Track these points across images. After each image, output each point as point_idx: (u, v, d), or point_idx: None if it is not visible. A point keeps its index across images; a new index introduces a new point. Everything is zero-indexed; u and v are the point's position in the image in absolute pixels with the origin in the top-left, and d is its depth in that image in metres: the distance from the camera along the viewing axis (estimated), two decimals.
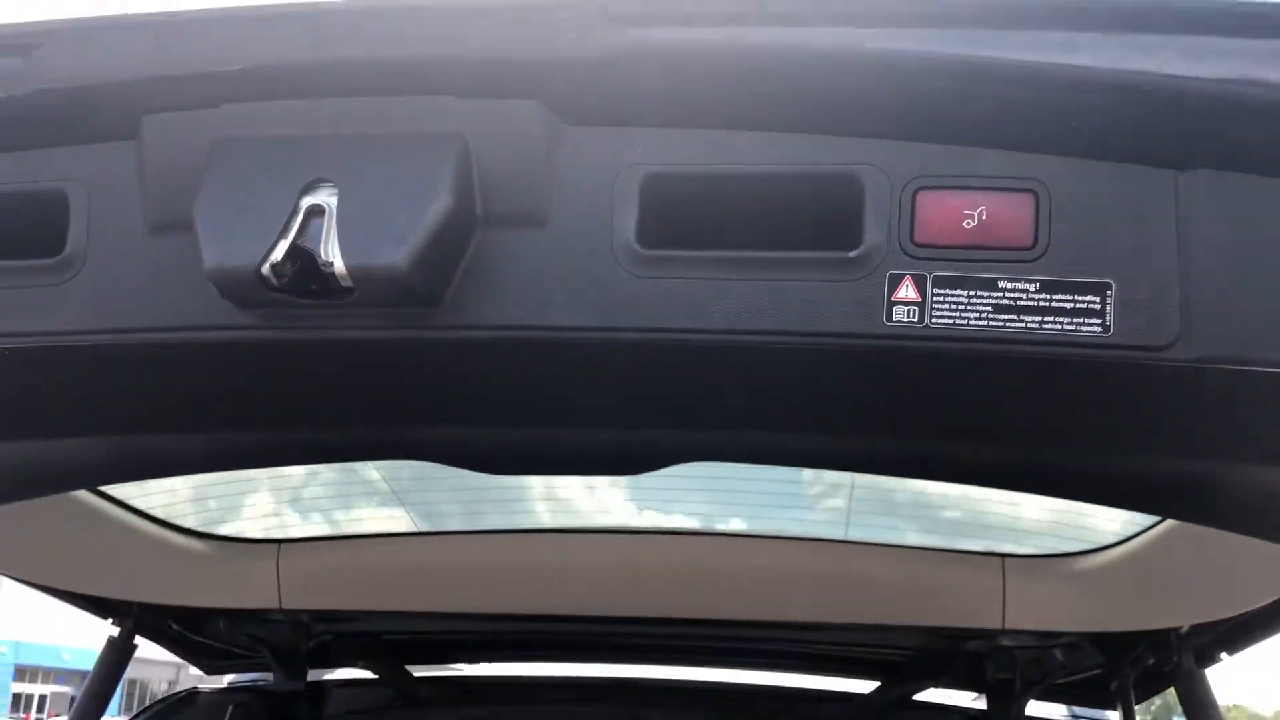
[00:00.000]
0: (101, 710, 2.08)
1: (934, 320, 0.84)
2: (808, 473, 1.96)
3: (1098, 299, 0.84)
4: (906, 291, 0.85)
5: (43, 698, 29.60)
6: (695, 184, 0.87)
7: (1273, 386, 0.85)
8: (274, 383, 0.98)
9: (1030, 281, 0.85)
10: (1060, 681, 2.16)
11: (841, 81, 0.85)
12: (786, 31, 0.85)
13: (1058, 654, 2.12)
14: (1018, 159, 0.85)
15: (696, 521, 2.18)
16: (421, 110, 0.85)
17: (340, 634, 2.19)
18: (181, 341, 0.88)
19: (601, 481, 2.05)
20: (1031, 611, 2.01)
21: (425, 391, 1.00)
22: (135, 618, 2.06)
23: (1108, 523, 1.95)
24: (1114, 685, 2.14)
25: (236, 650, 2.24)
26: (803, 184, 0.87)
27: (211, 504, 2.08)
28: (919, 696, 2.21)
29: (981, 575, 2.02)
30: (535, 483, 2.05)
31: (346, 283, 0.82)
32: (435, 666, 2.37)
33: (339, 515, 2.14)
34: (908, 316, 0.85)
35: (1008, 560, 2.03)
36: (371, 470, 1.97)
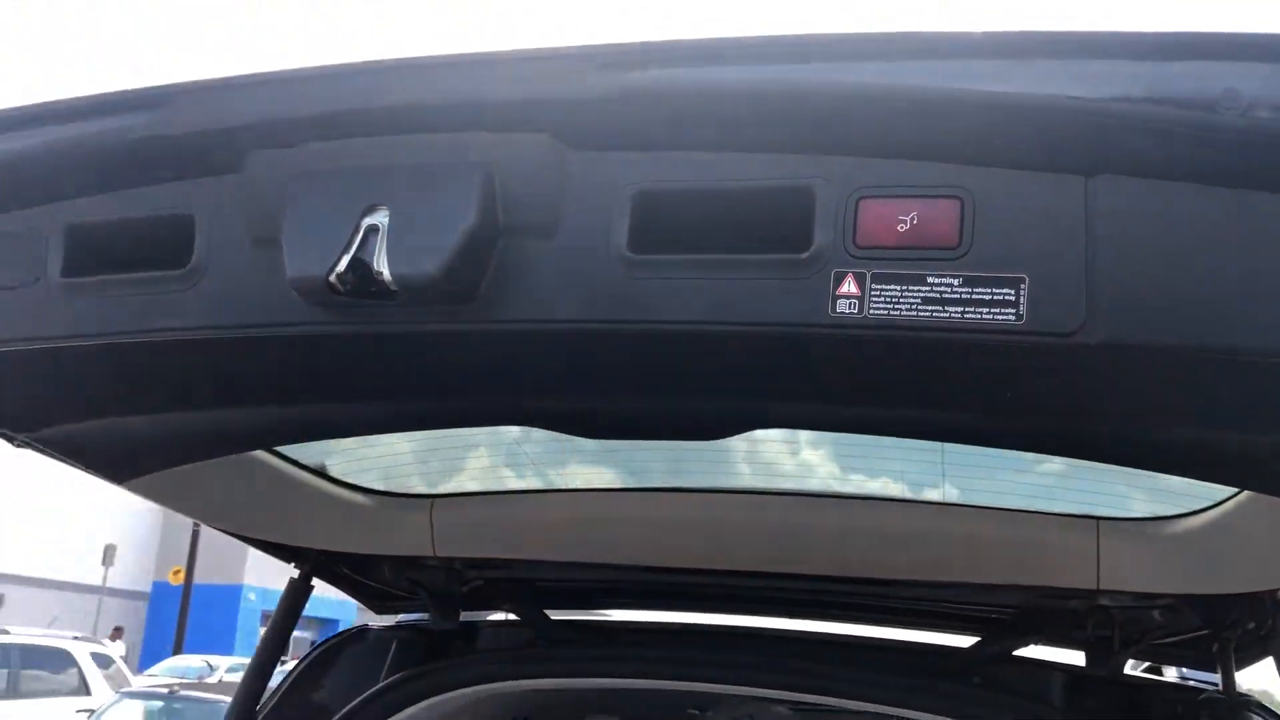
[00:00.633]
0: (285, 639, 2.41)
1: (871, 312, 0.99)
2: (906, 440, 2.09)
3: (1013, 292, 0.97)
4: (848, 287, 1.00)
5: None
6: (677, 198, 1.05)
7: (1176, 363, 0.97)
8: (347, 366, 1.21)
9: (955, 277, 0.98)
10: (1159, 642, 2.22)
11: (796, 110, 1.01)
12: (749, 69, 1.01)
13: (1155, 615, 2.17)
14: (946, 169, 0.99)
15: (807, 484, 2.33)
16: (455, 144, 1.06)
17: (486, 579, 2.45)
18: (271, 336, 1.12)
19: (724, 445, 2.22)
20: (1125, 573, 2.07)
21: (474, 370, 1.21)
22: (312, 561, 2.37)
23: (1203, 486, 1.99)
24: (1215, 648, 2.18)
25: (398, 593, 2.53)
26: (764, 196, 1.03)
27: (375, 464, 2.36)
28: (1019, 652, 2.30)
29: (1075, 537, 2.09)
30: (660, 446, 2.24)
31: (394, 287, 1.04)
32: (569, 611, 2.61)
33: (483, 474, 2.39)
34: (848, 309, 1.00)
35: (1101, 523, 2.10)
36: (510, 434, 2.20)
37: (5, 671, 14.27)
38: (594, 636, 2.49)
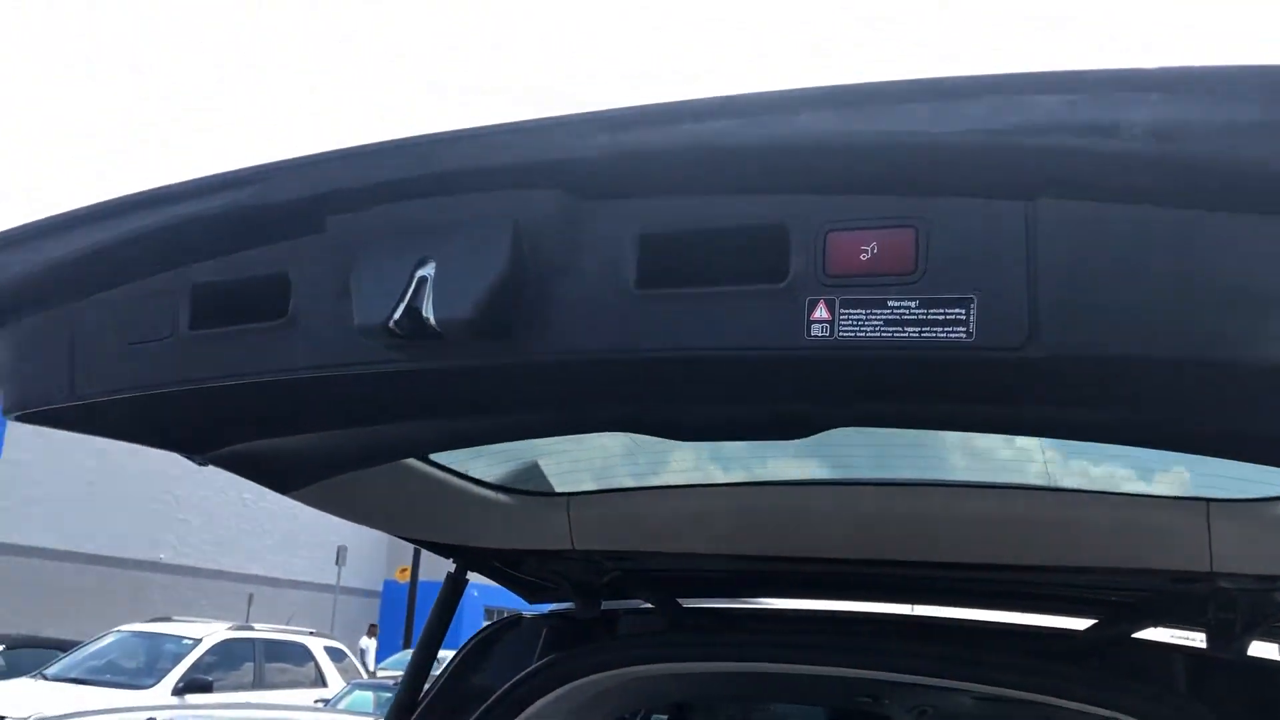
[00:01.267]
0: (445, 628, 2.66)
1: (840, 334, 1.10)
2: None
3: (963, 311, 1.06)
4: (820, 313, 1.11)
5: None
6: (674, 239, 1.19)
7: (1114, 371, 1.06)
8: (419, 393, 1.41)
9: (912, 299, 1.08)
10: None
11: (772, 158, 1.13)
12: (729, 124, 1.15)
13: (1276, 596, 2.15)
14: (900, 202, 1.09)
15: (926, 476, 2.41)
16: (487, 202, 1.23)
17: (623, 570, 2.63)
18: (351, 374, 1.32)
19: (840, 442, 2.34)
20: (1239, 555, 2.07)
21: (518, 394, 1.39)
22: (466, 557, 2.61)
23: None
24: None
25: (545, 583, 2.75)
26: (748, 233, 1.15)
27: (517, 466, 2.58)
28: (1137, 635, 2.32)
29: (1185, 519, 2.10)
30: (779, 445, 2.37)
31: (440, 330, 1.21)
32: (700, 600, 2.77)
33: (615, 473, 2.57)
34: (821, 332, 1.11)
35: (1212, 504, 2.10)
36: (639, 437, 2.38)
37: (251, 665, 15.44)
38: (721, 623, 2.64)
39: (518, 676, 2.56)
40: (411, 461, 2.36)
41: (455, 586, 2.63)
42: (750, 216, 1.15)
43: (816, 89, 1.10)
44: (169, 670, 14.23)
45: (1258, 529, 2.06)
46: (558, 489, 2.55)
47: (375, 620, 36.77)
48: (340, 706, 13.55)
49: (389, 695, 13.38)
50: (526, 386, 1.37)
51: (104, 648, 15.30)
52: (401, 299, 1.21)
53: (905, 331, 1.08)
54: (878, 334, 1.09)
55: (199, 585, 34.54)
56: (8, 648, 16.38)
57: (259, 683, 15.22)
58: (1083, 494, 2.20)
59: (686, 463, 2.52)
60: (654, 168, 1.16)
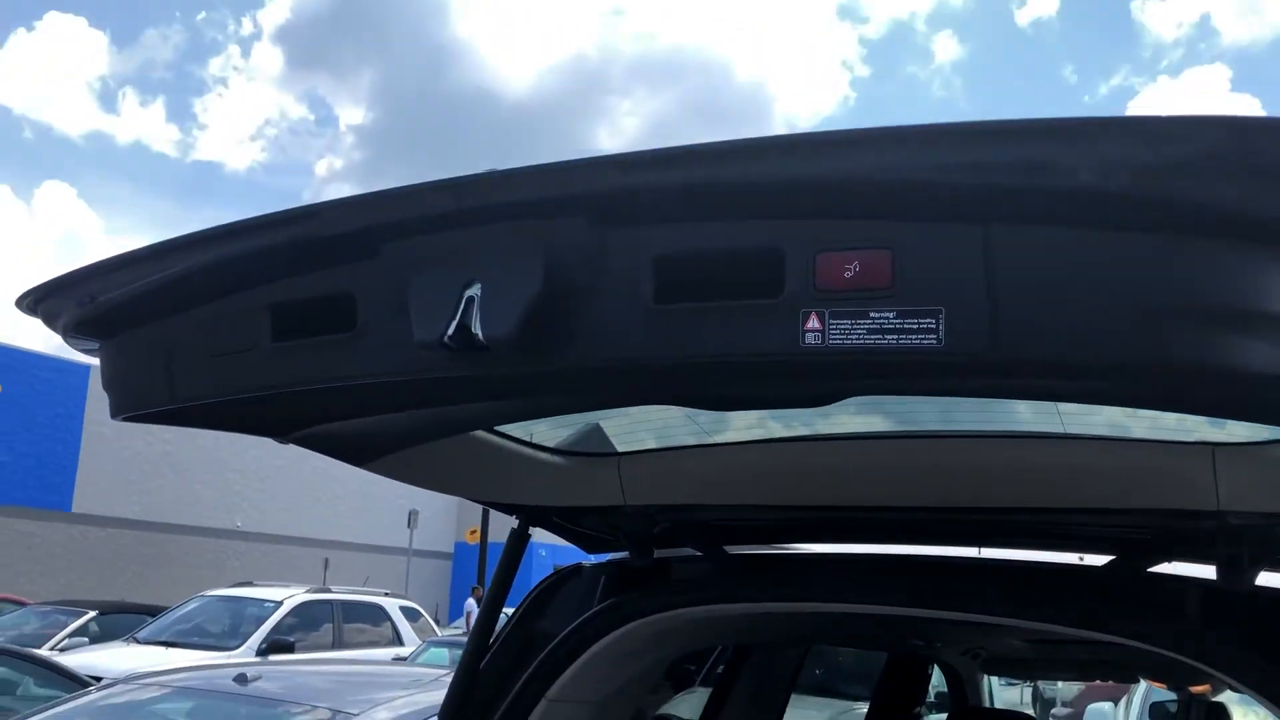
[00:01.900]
0: (510, 580, 2.89)
1: (830, 342, 1.28)
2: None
3: (933, 321, 1.24)
4: (812, 323, 1.28)
5: None
6: (686, 260, 1.37)
7: (1064, 370, 1.24)
8: (470, 392, 1.64)
9: (890, 311, 1.25)
10: None
11: (769, 193, 1.32)
12: (727, 165, 1.33)
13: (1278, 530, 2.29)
14: (878, 227, 1.27)
15: (952, 428, 2.58)
16: (523, 229, 1.41)
17: (672, 521, 2.84)
18: (407, 381, 1.53)
19: (871, 405, 2.51)
20: (1245, 494, 2.22)
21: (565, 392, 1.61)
22: (528, 513, 2.84)
23: None
24: None
25: (602, 536, 2.97)
26: (749, 255, 1.34)
27: (572, 431, 2.79)
28: (1153, 569, 2.48)
29: (1192, 462, 2.25)
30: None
31: (486, 344, 1.38)
32: (745, 546, 2.97)
33: (662, 433, 2.77)
34: (813, 340, 1.29)
35: (1217, 449, 2.24)
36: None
37: (330, 626, 15.96)
38: (766, 568, 2.84)
39: (579, 619, 2.79)
40: (484, 433, 2.58)
41: (518, 541, 2.85)
42: (751, 241, 1.32)
43: (804, 135, 1.28)
44: (252, 632, 14.80)
45: (1260, 469, 2.20)
46: (609, 450, 2.76)
47: (448, 579, 37.49)
48: (416, 663, 14.00)
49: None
50: (564, 388, 1.58)
51: (189, 612, 15.93)
52: (454, 317, 1.38)
53: (885, 339, 1.25)
54: (861, 341, 1.26)
55: (275, 551, 35.61)
56: (100, 614, 17.07)
57: (338, 643, 15.74)
58: (1098, 441, 2.36)
59: (724, 424, 2.71)
60: (668, 201, 1.34)
